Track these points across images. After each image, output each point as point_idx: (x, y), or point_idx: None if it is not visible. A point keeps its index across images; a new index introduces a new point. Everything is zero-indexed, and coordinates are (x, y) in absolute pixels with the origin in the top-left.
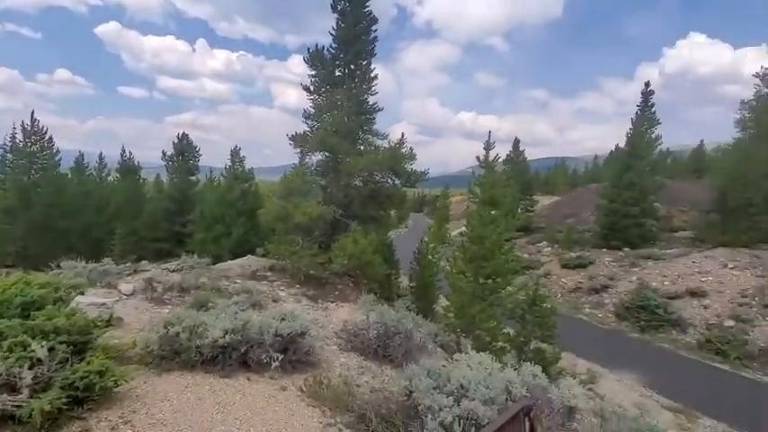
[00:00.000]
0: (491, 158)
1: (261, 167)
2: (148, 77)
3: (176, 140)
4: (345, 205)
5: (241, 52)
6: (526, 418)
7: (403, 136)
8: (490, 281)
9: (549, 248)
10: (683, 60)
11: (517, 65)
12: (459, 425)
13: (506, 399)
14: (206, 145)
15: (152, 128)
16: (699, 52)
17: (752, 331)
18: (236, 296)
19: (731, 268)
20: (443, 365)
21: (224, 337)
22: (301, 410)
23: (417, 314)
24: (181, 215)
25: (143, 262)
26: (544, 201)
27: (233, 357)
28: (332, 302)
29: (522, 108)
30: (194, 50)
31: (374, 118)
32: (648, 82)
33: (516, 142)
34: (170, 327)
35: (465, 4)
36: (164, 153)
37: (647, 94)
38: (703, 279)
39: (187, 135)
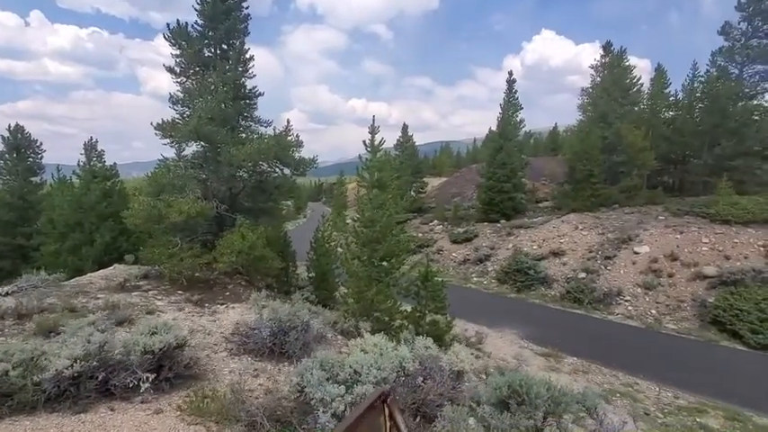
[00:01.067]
0: (377, 142)
1: (133, 163)
2: None
3: (8, 134)
4: (231, 199)
5: (93, 29)
6: (384, 405)
7: (289, 123)
8: (385, 263)
9: (441, 226)
10: (538, 53)
11: (402, 53)
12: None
13: (397, 375)
14: (56, 139)
15: None
16: (550, 46)
17: (598, 280)
18: (91, 315)
19: (581, 230)
20: (341, 352)
21: (72, 366)
22: None
23: (317, 304)
24: (25, 225)
25: None
26: (433, 182)
27: (88, 387)
28: (221, 305)
29: (408, 95)
30: (28, 25)
31: (255, 103)
32: (511, 71)
33: (405, 128)
34: None
35: None
36: None
37: (510, 82)
38: (561, 240)
39: (23, 127)
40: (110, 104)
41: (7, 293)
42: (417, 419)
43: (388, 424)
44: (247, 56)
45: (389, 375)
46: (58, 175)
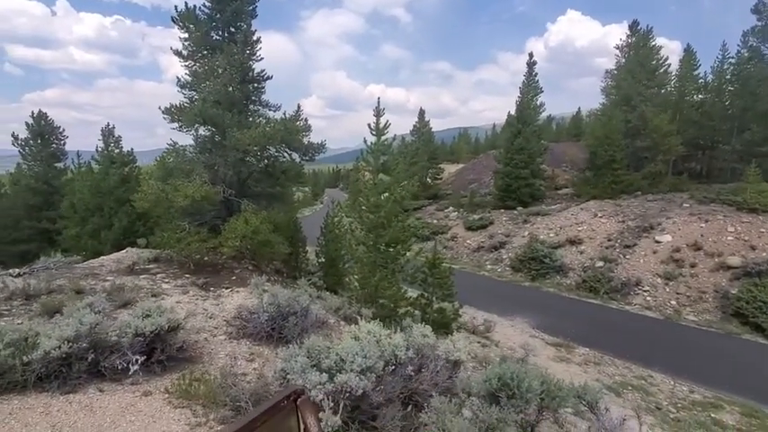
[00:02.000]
0: (382, 125)
1: (154, 150)
2: None
3: (32, 121)
4: (239, 184)
5: (116, 17)
6: (295, 405)
7: (299, 108)
8: (391, 249)
9: (456, 213)
10: (563, 35)
11: (421, 37)
12: (332, 400)
13: (385, 364)
14: (83, 126)
15: (6, 108)
16: (575, 28)
17: (616, 269)
18: (90, 296)
19: (600, 217)
20: (340, 339)
21: (59, 347)
22: (166, 415)
23: (326, 289)
24: (50, 209)
25: None
26: (450, 169)
27: (79, 369)
28: (227, 289)
29: (428, 80)
30: (54, 14)
31: (263, 87)
32: (532, 53)
33: (421, 113)
34: None
35: None
36: (15, 137)
37: (531, 65)
38: (579, 228)
39: (45, 114)
40: (133, 92)
41: (19, 275)
42: (409, 408)
43: (301, 427)
44: (254, 38)
45: (376, 364)
46: (78, 161)
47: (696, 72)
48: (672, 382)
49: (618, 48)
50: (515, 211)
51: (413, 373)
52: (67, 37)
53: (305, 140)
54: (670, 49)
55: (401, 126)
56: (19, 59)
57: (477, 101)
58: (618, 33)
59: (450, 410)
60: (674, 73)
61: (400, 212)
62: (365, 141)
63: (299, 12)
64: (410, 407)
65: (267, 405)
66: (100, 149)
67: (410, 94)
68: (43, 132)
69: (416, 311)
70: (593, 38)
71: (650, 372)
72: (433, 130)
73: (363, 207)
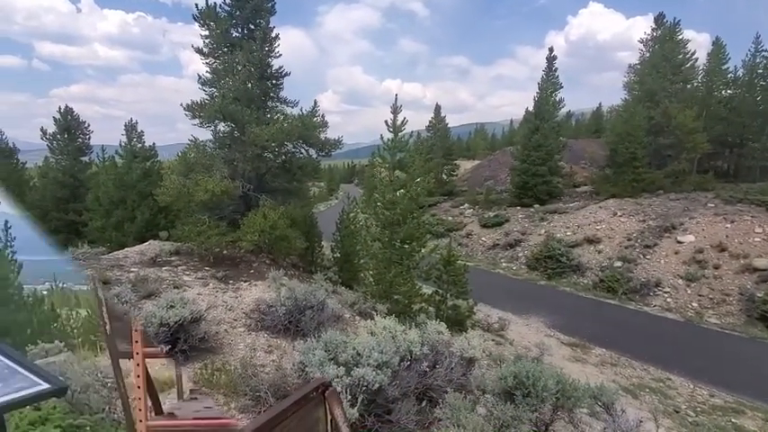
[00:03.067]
0: (399, 122)
1: (175, 144)
2: (24, 43)
3: (59, 116)
4: (258, 179)
5: (138, 13)
6: (323, 397)
7: (315, 104)
8: (406, 245)
9: (471, 210)
10: (584, 28)
11: (438, 31)
12: (349, 393)
13: (401, 359)
14: (107, 121)
15: (34, 103)
16: (597, 21)
17: (635, 269)
18: (117, 287)
19: (620, 216)
20: (356, 333)
21: None
22: None
23: (342, 284)
24: (76, 202)
25: None
26: (466, 165)
27: None
28: (245, 282)
29: (445, 75)
30: (79, 10)
31: (281, 83)
32: (552, 48)
33: (437, 108)
34: None
35: None
36: (43, 131)
37: (550, 59)
38: (598, 227)
39: (71, 109)
40: (154, 87)
41: None
42: (423, 403)
43: (328, 417)
44: (273, 35)
45: (392, 359)
46: (102, 155)
47: (725, 66)
48: (691, 386)
49: (642, 41)
50: (532, 209)
51: (428, 369)
52: (92, 33)
53: (321, 136)
54: (698, 43)
55: (417, 121)
56: (46, 56)
57: (494, 96)
58: (642, 26)
59: (465, 407)
60: (701, 67)
61: (416, 209)
62: (382, 138)
63: (316, 7)
64: (425, 402)
65: (297, 396)
66: (123, 144)
67: (426, 89)
68: (69, 127)
69: (431, 308)
70: (616, 31)
71: (669, 374)
72: (449, 125)
73: (379, 203)
